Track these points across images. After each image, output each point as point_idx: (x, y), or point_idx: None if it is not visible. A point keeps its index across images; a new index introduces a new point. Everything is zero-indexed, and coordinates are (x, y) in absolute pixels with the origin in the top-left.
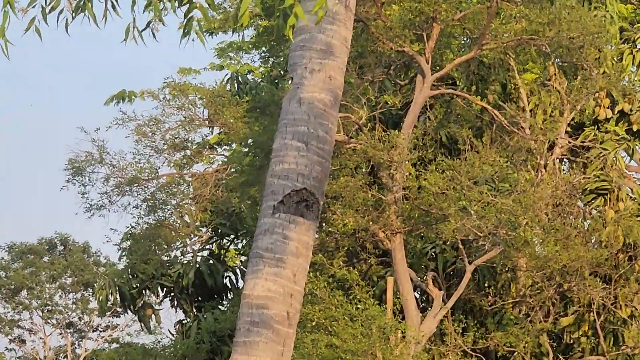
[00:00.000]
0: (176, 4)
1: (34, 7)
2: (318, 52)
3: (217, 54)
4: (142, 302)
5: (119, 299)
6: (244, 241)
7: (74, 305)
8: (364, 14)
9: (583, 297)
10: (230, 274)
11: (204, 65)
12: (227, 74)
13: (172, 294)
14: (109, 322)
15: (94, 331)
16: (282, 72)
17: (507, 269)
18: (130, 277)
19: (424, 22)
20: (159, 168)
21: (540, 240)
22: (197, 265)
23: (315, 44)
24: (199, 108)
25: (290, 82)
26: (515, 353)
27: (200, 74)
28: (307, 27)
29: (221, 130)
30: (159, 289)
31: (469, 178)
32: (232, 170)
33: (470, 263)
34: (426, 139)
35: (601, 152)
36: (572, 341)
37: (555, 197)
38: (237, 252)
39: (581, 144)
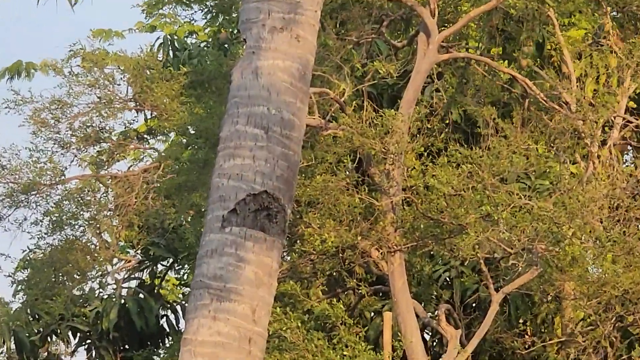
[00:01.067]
0: None
1: None
2: (280, 3)
3: (145, 9)
4: (46, 352)
5: (14, 348)
6: (187, 267)
7: None
8: None
9: None
10: (168, 312)
11: (128, 26)
12: (158, 38)
13: (89, 340)
14: None
15: None
16: (232, 34)
17: (548, 298)
18: (30, 319)
19: None
20: (66, 169)
21: (594, 258)
22: (122, 301)
23: None
24: (121, 85)
25: (243, 46)
26: None
27: (123, 37)
28: None
29: (151, 115)
30: (70, 334)
31: (493, 174)
32: (168, 169)
33: (497, 291)
34: (434, 121)
35: None
36: None
37: (613, 198)
38: (177, 283)
39: None
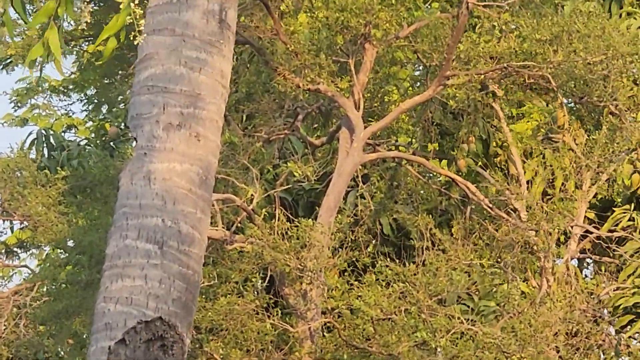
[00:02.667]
0: None
1: None
2: (177, 95)
3: (16, 98)
4: None
5: None
6: None
7: None
8: (254, 31)
9: None
10: None
11: None
12: (31, 133)
13: None
14: None
15: None
16: (121, 129)
17: None
18: None
19: (351, 42)
20: None
21: None
22: None
23: (172, 82)
24: None
25: (133, 145)
26: None
27: None
28: (158, 54)
29: (23, 226)
30: None
31: (430, 294)
32: (43, 290)
33: None
34: (359, 232)
35: None
36: None
37: (571, 322)
38: None
39: (610, 234)
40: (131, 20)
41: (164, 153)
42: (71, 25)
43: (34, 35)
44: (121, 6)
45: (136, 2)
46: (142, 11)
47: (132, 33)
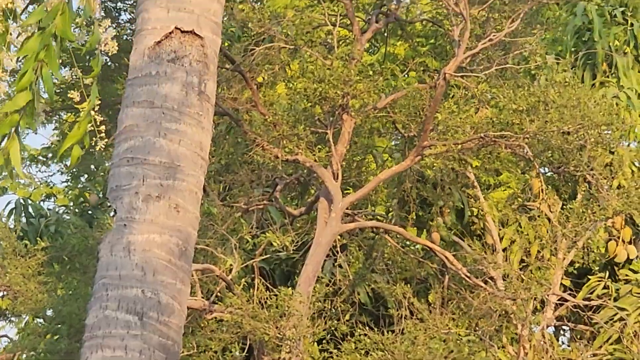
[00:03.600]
0: None
1: None
2: (157, 167)
3: None
4: None
5: None
6: None
7: None
8: (231, 102)
9: None
10: None
11: None
12: (10, 202)
13: None
14: None
15: None
16: (100, 197)
17: None
18: None
19: (329, 113)
20: None
21: None
22: None
23: (151, 154)
24: None
25: (112, 216)
26: None
27: None
28: (137, 126)
29: (2, 295)
30: None
31: None
32: (23, 359)
33: None
34: (338, 301)
35: (617, 314)
36: None
37: None
38: None
39: (586, 302)
40: (92, 128)
41: (144, 224)
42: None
43: None
44: (81, 114)
45: (96, 109)
46: (102, 118)
47: (94, 139)
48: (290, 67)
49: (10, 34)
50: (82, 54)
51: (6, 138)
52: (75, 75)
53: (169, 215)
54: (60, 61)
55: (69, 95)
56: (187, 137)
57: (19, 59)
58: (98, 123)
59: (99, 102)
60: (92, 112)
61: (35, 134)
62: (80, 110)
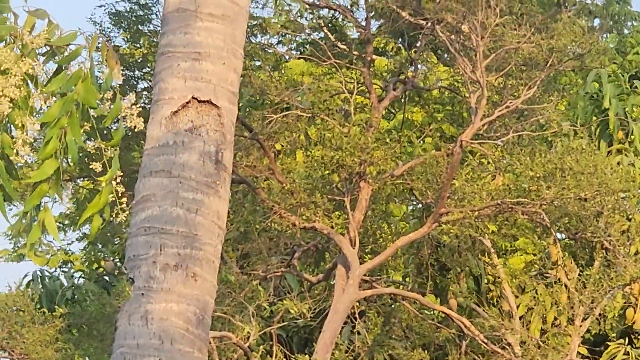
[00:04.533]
0: None
1: None
2: (174, 236)
3: (11, 235)
4: None
5: None
6: None
7: None
8: (249, 170)
9: None
10: None
11: None
12: (27, 274)
13: None
14: None
15: None
16: (117, 264)
17: None
18: None
19: (346, 180)
20: None
21: None
22: None
23: (168, 223)
24: None
25: (130, 285)
26: None
27: None
28: (155, 196)
29: None
30: None
31: None
32: None
33: None
34: None
35: None
36: None
37: None
38: None
39: None
40: (114, 198)
41: (161, 293)
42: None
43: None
44: (102, 184)
45: (117, 180)
46: (123, 189)
47: (115, 210)
48: (308, 135)
49: (32, 100)
50: (104, 124)
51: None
52: (96, 145)
53: (187, 284)
54: (82, 130)
55: (90, 166)
56: (205, 206)
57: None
58: (119, 194)
59: (120, 172)
60: (114, 183)
61: (54, 202)
62: (100, 180)
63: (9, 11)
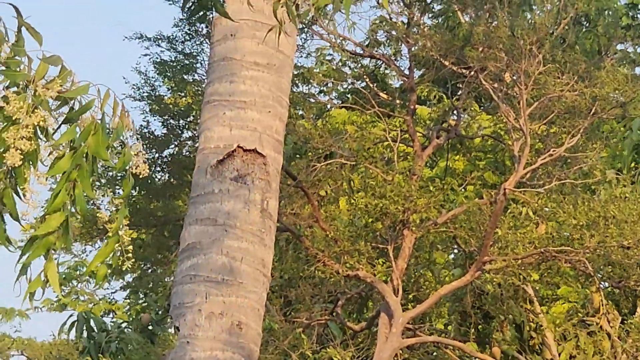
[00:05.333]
0: None
1: None
2: (219, 284)
3: (58, 297)
4: None
5: None
6: None
7: None
8: (293, 218)
9: None
10: None
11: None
12: (72, 315)
13: None
14: None
15: None
16: (154, 317)
17: None
18: None
19: (390, 228)
20: None
21: None
22: None
23: (213, 271)
24: None
25: (174, 333)
26: None
27: (28, 318)
28: (200, 244)
29: None
30: None
31: None
32: None
33: None
34: None
35: None
36: None
37: None
38: None
39: None
40: (119, 248)
41: (206, 341)
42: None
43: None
44: (109, 233)
45: (125, 228)
46: (130, 237)
47: (121, 259)
48: (352, 183)
49: (41, 153)
50: (114, 173)
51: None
52: (105, 195)
53: (232, 332)
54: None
55: (97, 215)
56: (250, 254)
57: (47, 179)
58: (126, 243)
59: (130, 219)
60: (120, 232)
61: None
62: (109, 228)
63: (23, 55)
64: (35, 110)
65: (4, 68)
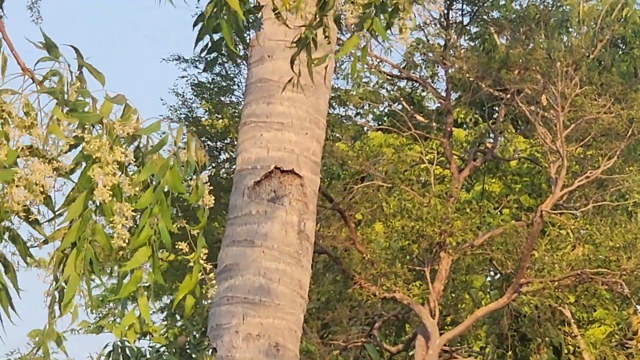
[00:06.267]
0: None
1: None
2: (257, 305)
3: (91, 306)
4: None
5: None
6: None
7: None
8: (330, 240)
9: None
10: None
11: (72, 326)
12: (107, 345)
13: None
14: None
15: None
16: (195, 337)
17: None
18: None
19: (426, 251)
20: None
21: None
22: None
23: (251, 292)
24: None
25: (212, 354)
26: None
27: (65, 339)
28: (237, 265)
29: None
30: None
31: None
32: None
33: None
34: None
35: None
36: None
37: None
38: None
39: None
40: (203, 277)
41: None
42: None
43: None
44: (191, 263)
45: (204, 257)
46: (212, 266)
47: (204, 287)
48: (388, 205)
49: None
50: (189, 206)
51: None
52: (181, 225)
53: (269, 353)
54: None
55: (177, 247)
56: (287, 275)
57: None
58: (207, 271)
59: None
60: (201, 261)
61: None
62: (189, 259)
63: (88, 96)
64: (115, 147)
65: (71, 110)
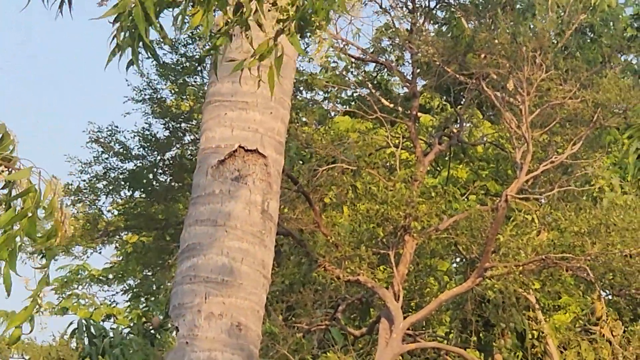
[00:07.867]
0: None
1: None
2: (219, 285)
3: (55, 288)
4: None
5: None
6: None
7: None
8: (295, 224)
9: None
10: None
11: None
12: (72, 323)
13: None
14: None
15: None
16: (164, 319)
17: None
18: None
19: (391, 234)
20: None
21: None
22: None
23: (213, 272)
24: None
25: (174, 334)
26: None
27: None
28: (200, 244)
29: None
30: None
31: None
32: None
33: None
34: None
35: None
36: None
37: None
38: None
39: None
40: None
41: (206, 342)
42: (113, 214)
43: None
44: (30, 297)
45: (41, 296)
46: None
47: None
48: (355, 189)
49: None
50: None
51: None
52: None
53: (231, 333)
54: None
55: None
56: (250, 255)
57: None
58: (42, 308)
59: (131, 223)
60: (38, 299)
61: (99, 253)
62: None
63: None
64: None
65: None
